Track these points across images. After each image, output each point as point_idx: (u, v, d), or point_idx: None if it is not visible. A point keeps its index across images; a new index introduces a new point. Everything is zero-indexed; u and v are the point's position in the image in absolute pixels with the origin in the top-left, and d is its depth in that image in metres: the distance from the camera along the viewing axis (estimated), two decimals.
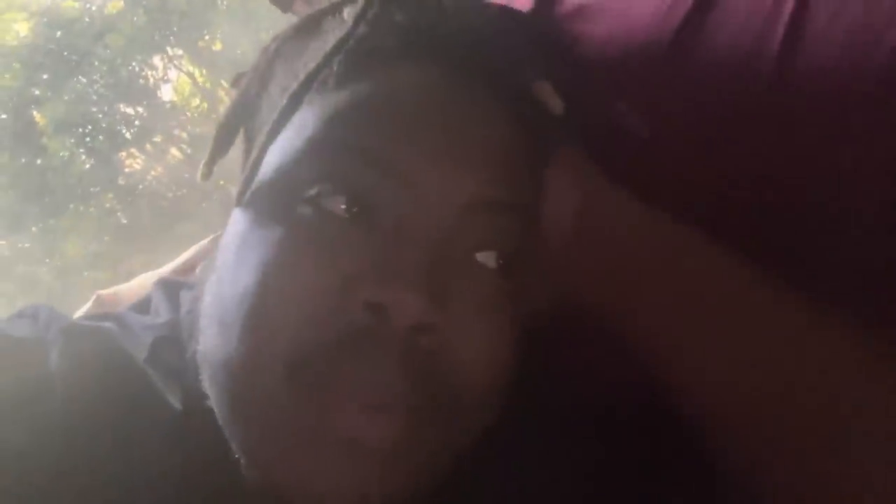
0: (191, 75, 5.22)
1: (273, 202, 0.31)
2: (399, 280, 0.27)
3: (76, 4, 4.51)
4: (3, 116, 4.42)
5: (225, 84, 5.23)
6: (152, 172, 5.28)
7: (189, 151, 5.25)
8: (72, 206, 4.61)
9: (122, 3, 4.46)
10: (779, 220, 0.32)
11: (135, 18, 4.42)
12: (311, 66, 0.31)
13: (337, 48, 0.31)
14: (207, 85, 5.27)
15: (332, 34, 0.32)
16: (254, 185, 0.32)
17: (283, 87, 0.32)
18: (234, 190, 0.33)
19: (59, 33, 4.36)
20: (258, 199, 0.32)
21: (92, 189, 4.76)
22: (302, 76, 0.31)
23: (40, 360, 0.31)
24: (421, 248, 0.28)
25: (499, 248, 0.31)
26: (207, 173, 0.35)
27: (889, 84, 0.29)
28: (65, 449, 0.28)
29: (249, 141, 0.36)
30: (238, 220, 0.32)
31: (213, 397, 0.30)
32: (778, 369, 0.28)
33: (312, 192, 0.30)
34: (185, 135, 5.29)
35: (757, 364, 0.28)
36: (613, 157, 0.33)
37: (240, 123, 0.36)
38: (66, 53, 4.34)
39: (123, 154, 5.03)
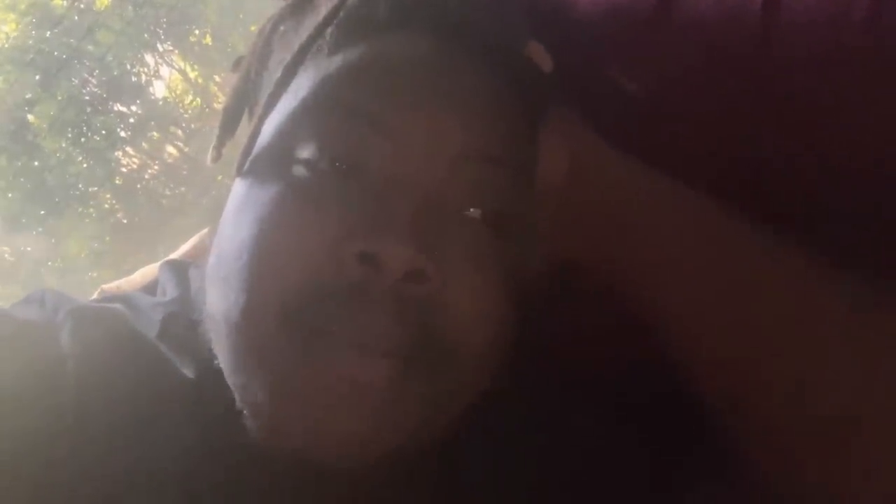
0: (182, 72, 5.19)
1: (269, 165, 0.32)
2: (389, 230, 0.28)
3: (63, 3, 4.47)
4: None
5: (218, 79, 5.20)
6: (149, 171, 5.27)
7: (186, 149, 5.23)
8: (71, 206, 4.59)
9: (109, 0, 4.42)
10: (770, 175, 0.32)
11: (123, 14, 4.38)
12: (306, 37, 0.32)
13: (329, 18, 0.32)
14: (200, 81, 5.24)
15: (325, 6, 0.32)
16: (252, 155, 0.33)
17: (280, 62, 0.33)
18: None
19: (48, 33, 4.33)
20: (256, 166, 0.33)
21: (90, 189, 4.75)
22: (297, 47, 0.32)
23: (51, 342, 0.32)
24: (411, 199, 0.29)
25: (490, 204, 0.31)
26: (217, 156, 0.36)
27: (869, 35, 0.29)
28: (80, 427, 0.29)
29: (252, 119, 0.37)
30: (237, 188, 0.33)
31: (219, 353, 0.31)
32: (774, 322, 0.28)
33: (306, 151, 0.31)
34: (180, 132, 5.26)
35: (753, 317, 0.28)
36: (605, 117, 0.33)
37: (243, 105, 0.37)
38: (56, 53, 4.31)
39: (120, 153, 5.01)
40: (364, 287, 0.28)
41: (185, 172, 5.19)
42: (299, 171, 0.31)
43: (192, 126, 5.22)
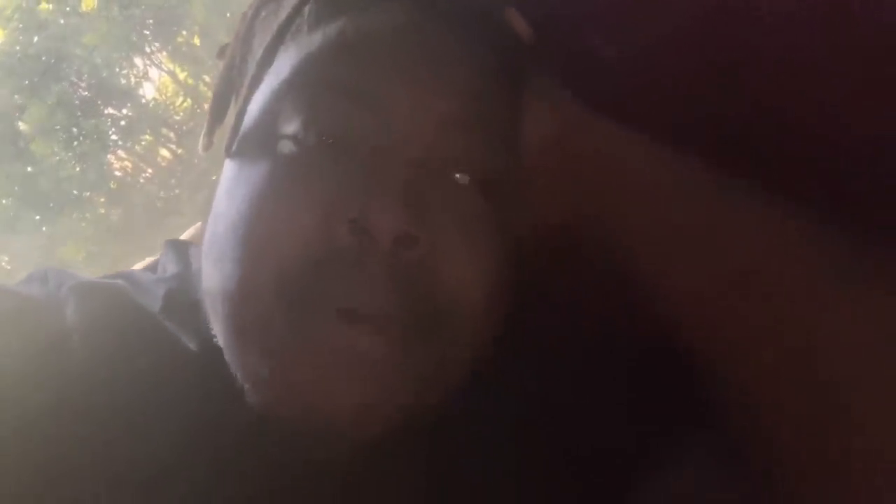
0: (172, 73, 5.16)
1: (257, 144, 0.32)
2: (378, 198, 0.28)
3: (49, 6, 4.44)
4: None
5: (207, 79, 5.17)
6: (143, 175, 5.25)
7: (178, 151, 5.22)
8: (66, 211, 4.58)
9: (95, 2, 4.39)
10: (756, 135, 0.32)
11: (109, 15, 4.35)
12: (285, 16, 0.32)
13: None
14: (190, 81, 5.22)
15: None
16: (239, 135, 0.34)
17: (262, 44, 0.34)
18: None
19: (35, 38, 4.30)
20: (243, 146, 0.33)
21: (84, 193, 4.73)
22: (276, 27, 0.33)
23: (55, 317, 0.32)
24: (398, 167, 0.30)
25: (476, 168, 0.32)
26: (208, 144, 0.37)
27: None
28: (86, 400, 0.29)
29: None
30: (227, 169, 0.34)
31: (217, 331, 0.32)
32: (763, 287, 0.28)
33: (291, 127, 0.31)
34: (172, 134, 5.24)
35: (742, 280, 0.28)
36: (585, 83, 0.34)
37: (230, 91, 0.37)
38: (44, 57, 4.29)
39: (112, 156, 5.00)
40: (356, 255, 0.28)
41: (178, 174, 5.18)
42: (287, 147, 0.31)
43: (184, 127, 5.20)
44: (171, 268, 0.39)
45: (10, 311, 0.32)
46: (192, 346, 0.33)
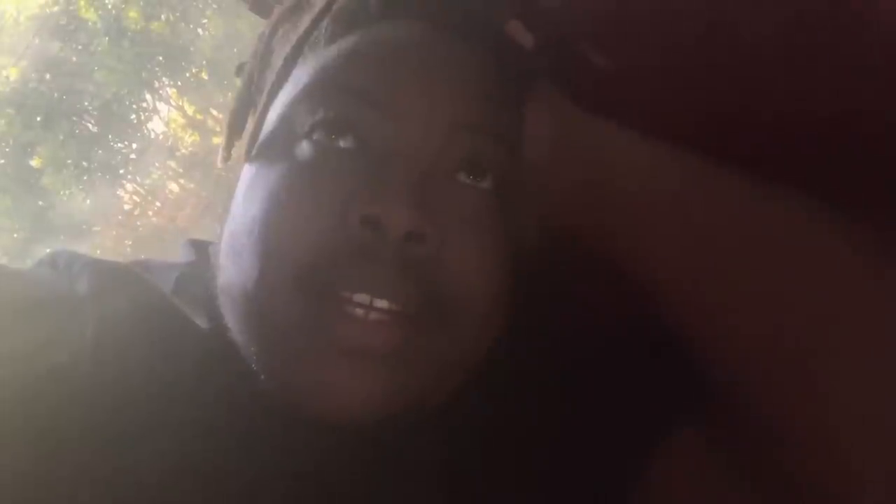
0: (181, 108, 5.25)
1: (274, 148, 0.34)
2: (389, 194, 0.30)
3: (61, 45, 4.53)
4: (2, 161, 4.45)
5: (215, 113, 5.26)
6: (152, 208, 5.30)
7: (187, 185, 5.26)
8: (77, 244, 4.62)
9: (106, 41, 4.48)
10: (754, 133, 0.33)
11: (121, 54, 4.44)
12: (303, 30, 0.35)
13: (323, 12, 0.35)
14: (199, 116, 5.29)
15: (320, 3, 0.35)
16: (259, 141, 0.36)
17: (281, 56, 0.35)
18: None
19: (47, 75, 4.39)
20: (261, 150, 0.35)
21: (95, 227, 4.78)
22: (295, 40, 0.35)
23: (67, 292, 0.33)
24: (409, 167, 0.31)
25: (483, 170, 0.34)
26: (227, 157, 0.38)
27: None
28: (97, 374, 0.29)
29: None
30: (245, 173, 0.35)
31: (234, 326, 0.33)
32: (765, 283, 0.29)
33: (308, 130, 0.33)
34: (181, 169, 5.30)
35: (743, 277, 0.29)
36: (585, 88, 0.35)
37: (249, 106, 0.39)
38: (56, 94, 4.37)
39: (122, 191, 5.05)
40: (369, 249, 0.30)
41: (185, 206, 5.22)
42: (303, 149, 0.33)
43: (191, 161, 5.25)
44: (187, 258, 0.40)
45: (22, 284, 0.33)
46: (203, 323, 0.34)
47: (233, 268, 0.32)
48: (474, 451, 0.34)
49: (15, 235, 4.40)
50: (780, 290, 0.28)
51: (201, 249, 0.40)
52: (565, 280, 0.37)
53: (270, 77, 0.36)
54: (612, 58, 0.36)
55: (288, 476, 0.30)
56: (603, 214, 0.33)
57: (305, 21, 0.35)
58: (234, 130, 0.38)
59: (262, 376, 0.31)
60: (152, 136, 5.21)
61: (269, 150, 0.34)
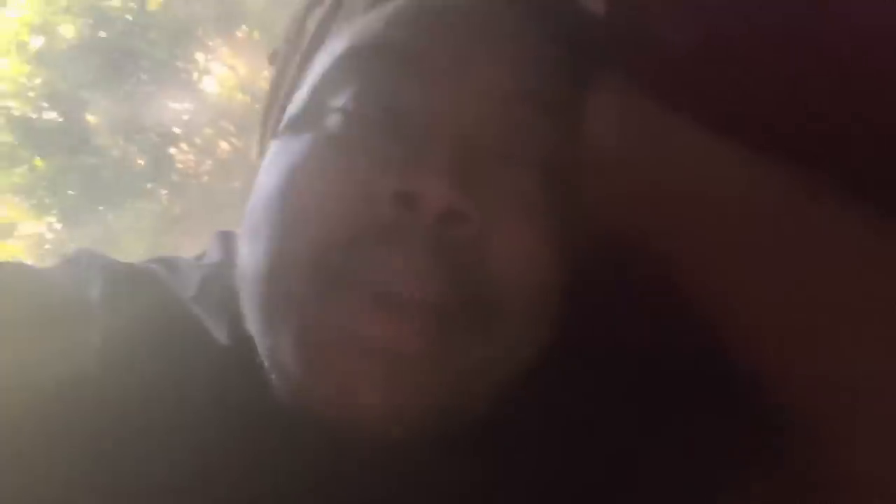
0: (232, 68, 5.31)
1: (303, 120, 0.31)
2: (426, 168, 0.26)
3: (117, 3, 4.63)
4: (60, 120, 4.59)
5: (265, 73, 5.30)
6: (203, 167, 5.43)
7: (238, 143, 5.38)
8: (128, 202, 4.79)
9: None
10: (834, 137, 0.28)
11: (174, 13, 4.53)
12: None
13: None
14: (249, 76, 5.35)
15: None
16: (289, 115, 0.33)
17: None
18: None
19: (103, 33, 4.50)
20: (290, 124, 0.32)
21: (147, 185, 4.93)
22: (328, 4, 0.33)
23: (78, 295, 0.31)
24: (452, 138, 0.27)
25: (534, 150, 0.29)
26: (262, 150, 0.37)
27: None
28: (104, 382, 0.28)
29: None
30: (272, 147, 0.33)
31: (248, 314, 0.30)
32: (834, 293, 0.26)
33: (339, 100, 0.30)
34: (232, 127, 5.41)
35: (809, 286, 0.27)
36: (657, 76, 0.30)
37: (282, 93, 0.37)
38: (112, 53, 4.48)
39: (174, 149, 5.17)
40: (398, 229, 0.26)
41: (237, 166, 5.33)
42: (333, 120, 0.30)
43: (243, 121, 5.35)
44: (215, 256, 0.39)
45: (32, 283, 0.31)
46: (222, 335, 0.32)
47: (249, 248, 0.30)
48: (515, 471, 0.31)
49: (70, 192, 4.58)
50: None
51: (228, 243, 0.38)
52: (613, 285, 0.33)
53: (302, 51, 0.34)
54: (695, 39, 0.30)
55: (307, 496, 0.28)
56: (664, 223, 0.29)
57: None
58: (269, 123, 0.37)
59: (275, 374, 0.28)
60: (204, 95, 5.30)
61: (298, 123, 0.31)
